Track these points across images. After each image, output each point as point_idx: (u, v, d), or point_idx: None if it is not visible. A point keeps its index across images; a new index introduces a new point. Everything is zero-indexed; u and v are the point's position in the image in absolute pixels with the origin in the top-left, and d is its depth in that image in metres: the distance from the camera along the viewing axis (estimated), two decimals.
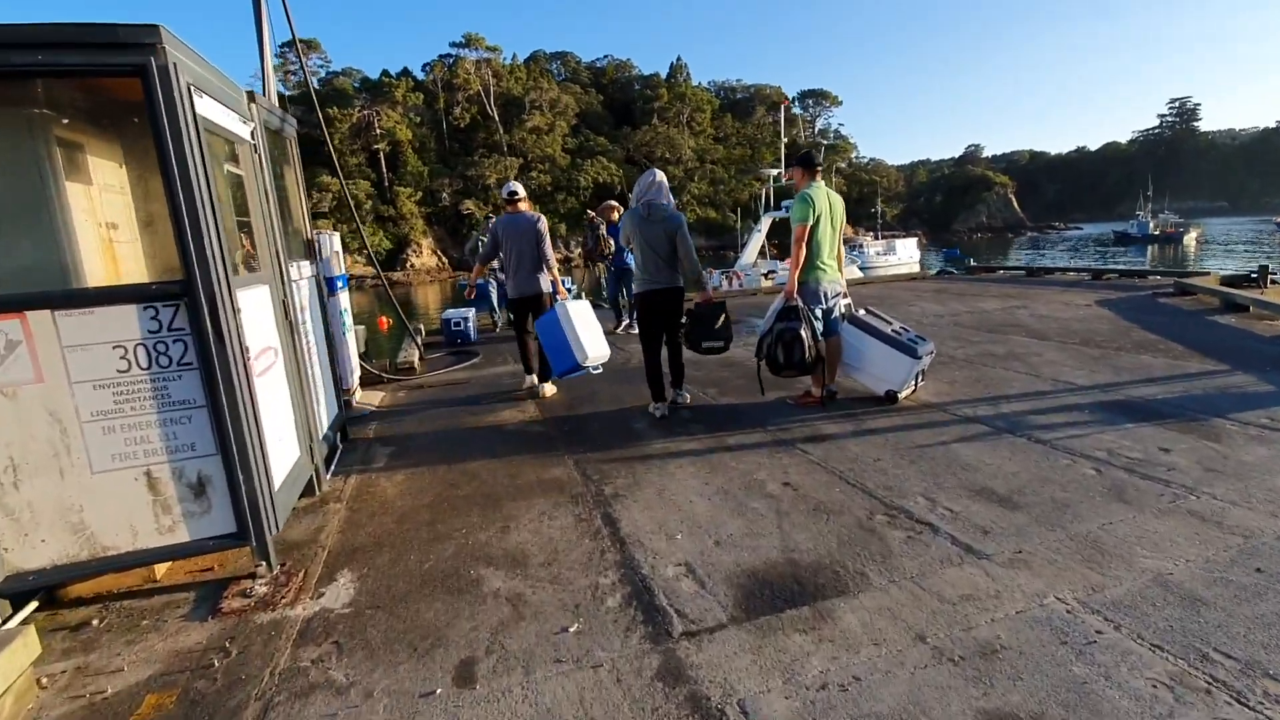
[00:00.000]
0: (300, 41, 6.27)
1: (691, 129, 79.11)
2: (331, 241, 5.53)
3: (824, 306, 4.75)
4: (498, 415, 5.34)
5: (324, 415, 4.21)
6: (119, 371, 2.57)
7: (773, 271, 21.50)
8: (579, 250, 67.63)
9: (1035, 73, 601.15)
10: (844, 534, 2.94)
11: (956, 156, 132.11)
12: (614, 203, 9.31)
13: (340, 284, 5.79)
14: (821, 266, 4.67)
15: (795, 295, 4.59)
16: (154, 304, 2.58)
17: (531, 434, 4.80)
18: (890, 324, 4.93)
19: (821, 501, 3.28)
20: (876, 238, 39.09)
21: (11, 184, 3.07)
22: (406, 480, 3.98)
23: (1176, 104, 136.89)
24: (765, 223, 24.01)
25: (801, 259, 4.58)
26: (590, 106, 77.92)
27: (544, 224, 5.62)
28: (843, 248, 4.75)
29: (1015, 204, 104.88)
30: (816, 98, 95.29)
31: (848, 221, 4.90)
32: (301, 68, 5.83)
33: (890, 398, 4.79)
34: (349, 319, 6.02)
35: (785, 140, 40.00)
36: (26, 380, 2.50)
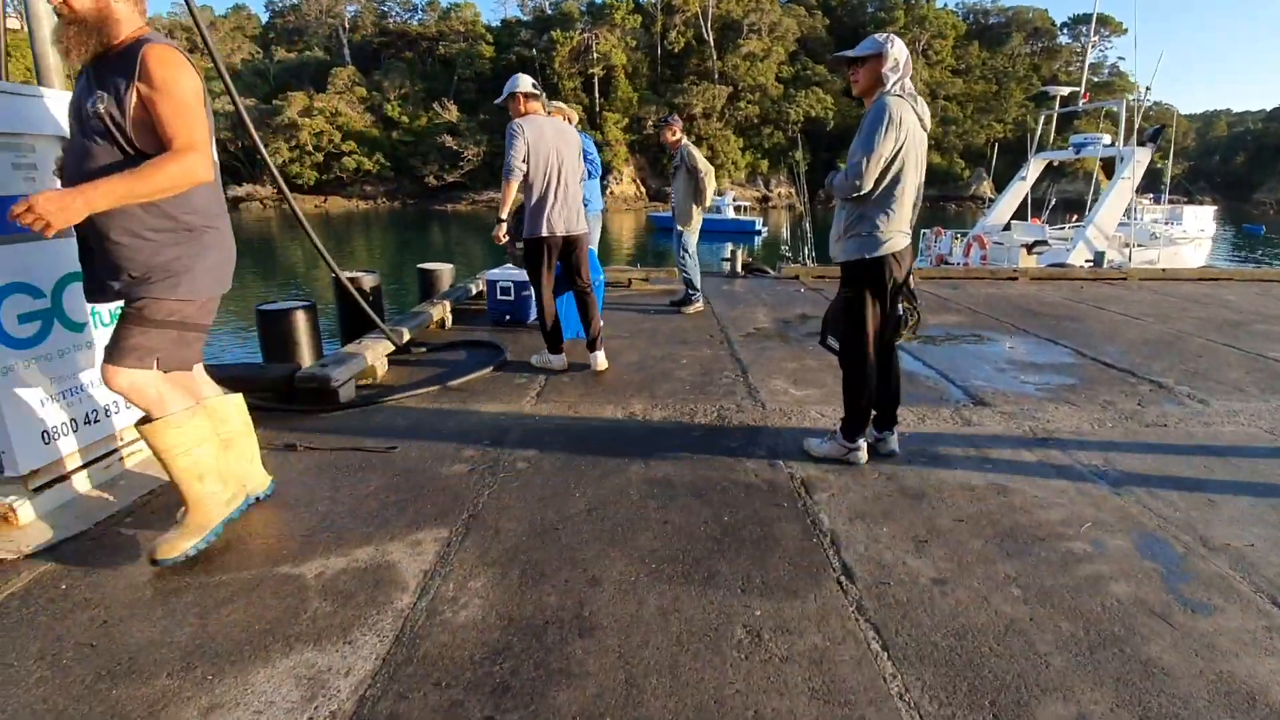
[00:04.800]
0: None
1: (927, 59, 69.27)
2: None
3: None
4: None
5: None
6: None
7: (1041, 243, 14.12)
8: (779, 190, 62.13)
9: None
10: None
11: (1269, 110, 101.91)
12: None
13: None
14: None
15: None
16: None
17: None
18: None
19: None
20: (1157, 201, 26.47)
21: None
22: None
23: None
24: (1033, 168, 15.45)
25: None
26: (813, 31, 70.90)
27: None
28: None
29: None
30: (1091, 24, 78.76)
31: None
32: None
33: None
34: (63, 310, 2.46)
35: (1091, 48, 26.52)
36: None
